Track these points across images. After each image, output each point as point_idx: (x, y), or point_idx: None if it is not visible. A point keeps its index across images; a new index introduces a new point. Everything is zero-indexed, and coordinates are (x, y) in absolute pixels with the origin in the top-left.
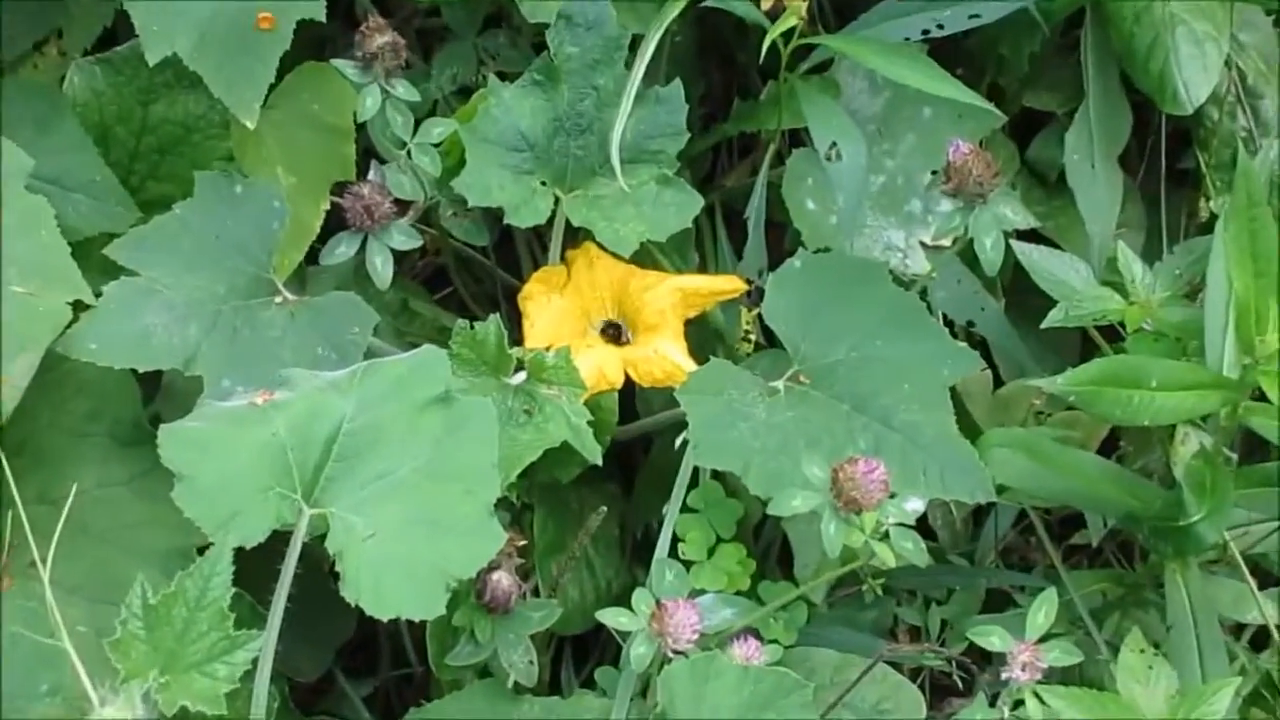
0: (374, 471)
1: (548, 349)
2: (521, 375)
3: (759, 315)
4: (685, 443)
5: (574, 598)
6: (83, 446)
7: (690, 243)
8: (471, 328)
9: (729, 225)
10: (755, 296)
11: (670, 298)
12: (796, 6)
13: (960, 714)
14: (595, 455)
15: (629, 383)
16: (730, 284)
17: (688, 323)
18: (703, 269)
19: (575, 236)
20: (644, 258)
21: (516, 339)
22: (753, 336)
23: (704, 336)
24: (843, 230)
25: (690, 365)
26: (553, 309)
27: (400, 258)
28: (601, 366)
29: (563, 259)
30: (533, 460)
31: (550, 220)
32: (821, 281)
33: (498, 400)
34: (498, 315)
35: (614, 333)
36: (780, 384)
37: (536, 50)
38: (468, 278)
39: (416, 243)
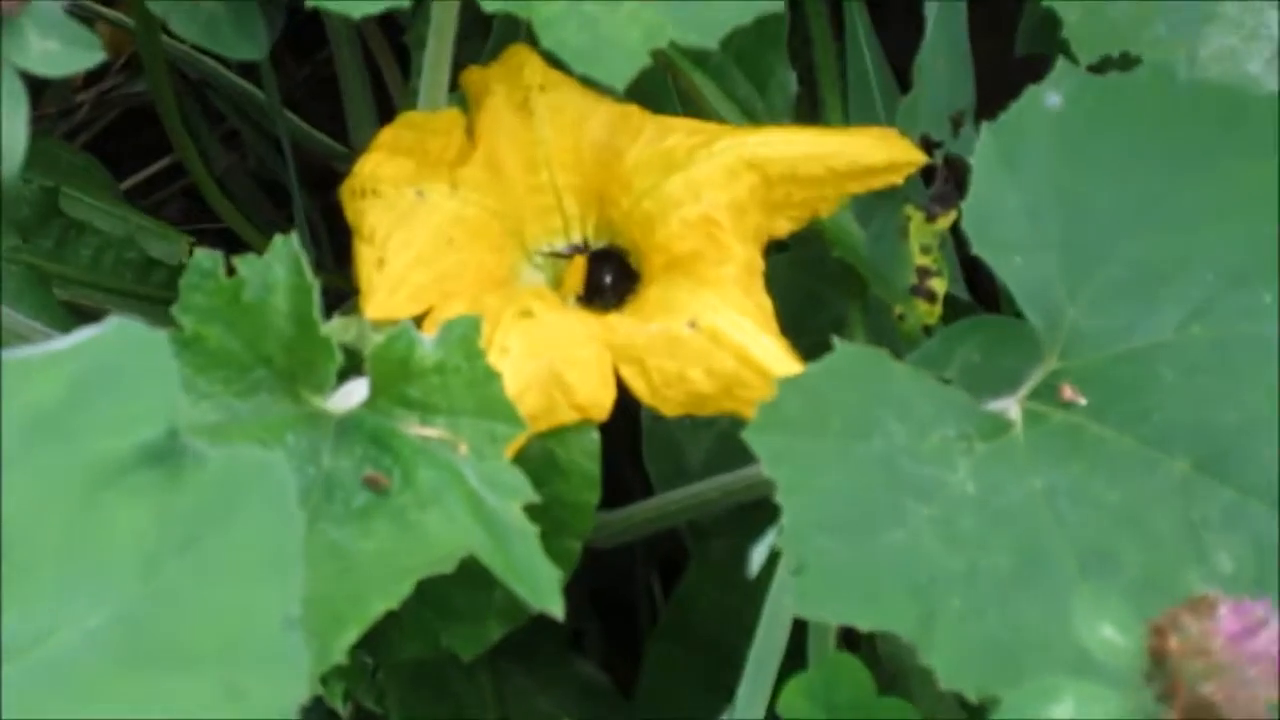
0: None
1: (419, 320)
2: (357, 389)
3: (952, 231)
4: (773, 559)
5: None
6: None
7: (780, 49)
8: (228, 268)
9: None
10: (946, 186)
11: (731, 189)
12: None
13: None
14: (546, 593)
15: (626, 404)
16: (880, 150)
17: (774, 250)
18: (809, 115)
19: (483, 41)
20: (660, 92)
21: (340, 295)
22: (940, 285)
23: (815, 284)
24: (1169, 16)
25: (783, 359)
26: (431, 217)
27: (41, 90)
28: (558, 367)
29: (455, 92)
30: (389, 608)
31: None
32: (1113, 146)
33: (299, 455)
34: (292, 236)
35: (590, 277)
36: (1013, 405)
37: None
38: (214, 142)
39: (90, 58)
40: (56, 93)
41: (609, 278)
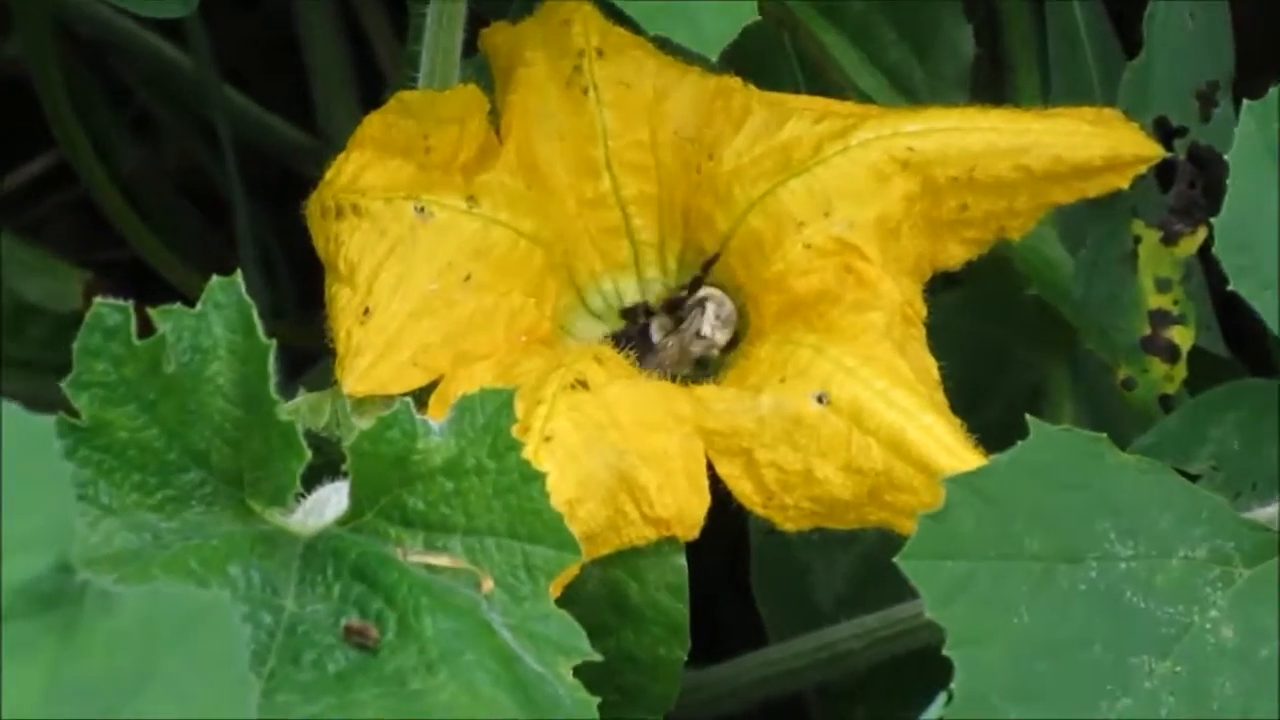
0: None
1: (423, 396)
2: (333, 499)
3: (1201, 257)
4: None
5: None
6: None
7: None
8: (142, 321)
9: None
10: (1192, 192)
11: (878, 199)
12: None
13: None
14: None
15: (727, 516)
16: (1095, 141)
17: (942, 288)
18: (991, 90)
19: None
20: (773, 57)
21: (306, 356)
22: (1183, 337)
23: (1000, 336)
24: None
25: (954, 448)
26: (440, 245)
27: None
28: (626, 464)
29: (472, 59)
30: None
31: None
32: None
33: (249, 595)
34: (236, 275)
35: (680, 344)
36: None
37: None
38: (119, 131)
39: None
40: None
41: (709, 336)
